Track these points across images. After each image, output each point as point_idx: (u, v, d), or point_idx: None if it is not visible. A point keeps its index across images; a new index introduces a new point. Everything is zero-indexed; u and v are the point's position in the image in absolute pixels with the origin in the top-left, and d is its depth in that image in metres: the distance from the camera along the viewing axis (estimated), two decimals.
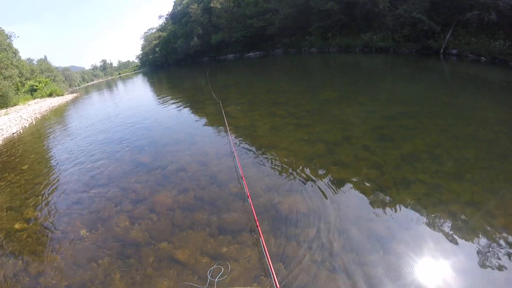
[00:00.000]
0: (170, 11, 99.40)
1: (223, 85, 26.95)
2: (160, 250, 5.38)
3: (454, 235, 4.71)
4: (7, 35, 48.93)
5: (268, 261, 3.99)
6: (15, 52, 50.48)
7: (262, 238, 4.44)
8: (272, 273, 3.79)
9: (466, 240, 4.61)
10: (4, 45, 42.16)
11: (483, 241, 4.56)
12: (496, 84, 14.05)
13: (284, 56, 47.06)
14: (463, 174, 6.38)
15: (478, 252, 4.37)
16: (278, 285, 3.59)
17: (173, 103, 20.13)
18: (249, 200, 5.65)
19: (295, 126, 10.66)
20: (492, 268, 4.13)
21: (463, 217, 5.11)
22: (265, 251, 4.21)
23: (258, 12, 55.30)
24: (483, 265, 4.17)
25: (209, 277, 4.60)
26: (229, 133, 10.40)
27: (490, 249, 4.41)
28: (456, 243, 4.58)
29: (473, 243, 4.54)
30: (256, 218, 5.02)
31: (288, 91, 17.85)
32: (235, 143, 9.71)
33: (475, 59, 21.15)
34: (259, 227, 4.79)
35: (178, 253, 5.17)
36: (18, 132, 21.08)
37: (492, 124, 8.76)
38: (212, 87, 21.59)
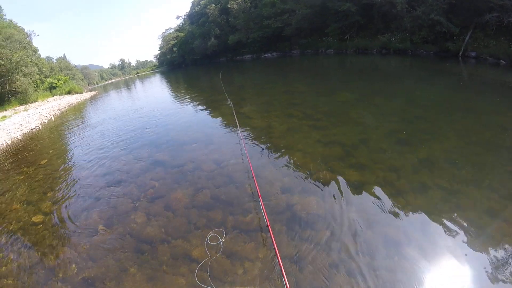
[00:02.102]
0: (187, 11, 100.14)
1: (240, 85, 27.03)
2: (176, 247, 5.43)
3: (470, 243, 4.65)
4: (26, 33, 49.85)
5: (279, 262, 4.00)
6: (35, 50, 51.50)
7: (273, 239, 4.44)
8: (283, 273, 3.79)
9: (482, 248, 4.54)
10: (24, 43, 42.95)
11: (499, 249, 4.48)
12: None
13: (301, 57, 46.93)
14: (480, 180, 6.27)
15: (494, 261, 4.30)
16: (288, 286, 3.60)
17: (190, 103, 20.33)
18: (260, 200, 5.67)
19: (312, 127, 10.63)
20: (508, 277, 4.07)
21: (480, 224, 5.03)
22: (276, 252, 4.22)
23: (275, 13, 55.18)
24: (499, 274, 4.10)
25: (208, 242, 5.35)
26: (240, 134, 10.40)
27: (507, 257, 4.34)
28: (472, 250, 4.52)
29: (490, 251, 4.47)
30: (267, 219, 5.01)
31: (305, 92, 17.79)
32: (252, 144, 9.79)
33: (494, 62, 20.72)
34: (270, 228, 4.80)
35: (194, 251, 5.21)
36: (37, 127, 21.51)
37: (511, 130, 8.61)
38: (226, 89, 21.62)
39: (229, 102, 16.19)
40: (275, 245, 4.31)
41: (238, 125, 10.98)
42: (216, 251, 5.16)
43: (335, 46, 43.44)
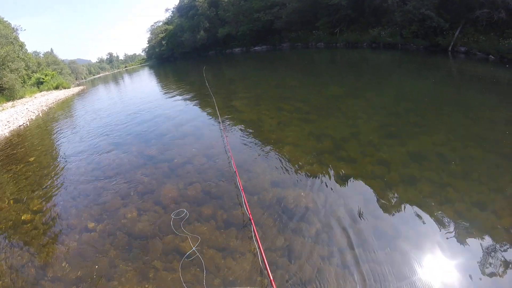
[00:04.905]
0: (176, 4, 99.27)
1: (230, 79, 26.95)
2: (167, 242, 5.41)
3: (459, 235, 4.70)
4: (13, 28, 49.12)
5: (262, 254, 4.01)
6: (22, 45, 50.68)
7: (255, 232, 4.47)
8: (266, 265, 3.81)
9: (471, 240, 4.60)
10: (11, 38, 42.25)
11: (488, 241, 4.54)
12: (504, 84, 13.85)
13: (291, 51, 46.88)
14: (469, 173, 6.34)
15: (483, 252, 4.36)
16: (271, 277, 3.60)
17: (179, 96, 20.21)
18: (243, 194, 5.68)
19: (302, 121, 10.66)
20: (496, 269, 4.12)
21: (469, 216, 5.09)
22: (259, 245, 4.23)
23: (265, 6, 55.07)
24: (487, 265, 4.17)
25: (172, 217, 6.00)
26: (223, 129, 10.41)
27: (495, 249, 4.40)
28: (461, 242, 4.57)
29: (478, 243, 4.52)
30: (249, 212, 5.04)
31: (295, 86, 17.81)
32: (242, 138, 9.80)
33: (483, 58, 20.84)
34: (252, 221, 4.82)
35: (185, 246, 5.20)
36: (24, 124, 21.23)
37: (499, 124, 8.68)
38: (215, 82, 21.58)
39: (225, 96, 16.19)
40: (258, 238, 4.35)
41: (220, 119, 10.98)
42: (181, 224, 5.75)
43: (325, 39, 43.45)
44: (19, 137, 16.97)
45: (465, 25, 24.10)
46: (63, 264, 5.38)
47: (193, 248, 5.06)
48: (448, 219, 5.03)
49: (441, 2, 25.28)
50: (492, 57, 20.12)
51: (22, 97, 38.60)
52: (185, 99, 18.91)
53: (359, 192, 6.07)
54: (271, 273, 3.72)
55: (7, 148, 14.69)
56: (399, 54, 27.26)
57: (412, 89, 13.74)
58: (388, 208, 5.49)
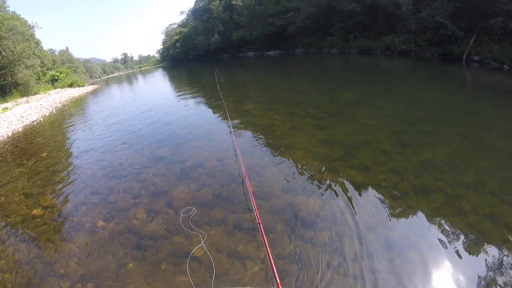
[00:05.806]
0: (191, 7, 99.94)
1: (243, 82, 27.02)
2: (176, 244, 5.41)
3: (471, 248, 4.62)
4: (30, 25, 49.70)
5: (270, 260, 3.98)
6: (38, 42, 51.40)
7: (264, 238, 4.43)
8: (274, 272, 3.78)
9: (483, 253, 4.52)
10: (27, 35, 42.72)
11: (500, 255, 4.45)
12: None
13: (304, 56, 46.80)
14: (482, 185, 6.25)
15: (494, 267, 4.28)
16: (280, 286, 3.57)
17: (192, 99, 20.31)
18: (252, 199, 5.65)
19: (314, 127, 10.62)
20: (508, 283, 4.04)
21: (481, 229, 5.00)
22: (268, 251, 4.20)
23: (279, 11, 55.18)
24: (498, 279, 4.09)
25: (181, 214, 6.14)
26: (233, 134, 10.36)
27: (507, 263, 4.32)
28: (472, 255, 4.50)
29: (490, 257, 4.44)
30: (259, 217, 4.99)
31: (308, 91, 17.75)
32: (254, 142, 9.79)
33: (497, 67, 20.55)
34: (261, 226, 4.77)
35: (193, 244, 5.20)
36: (38, 120, 21.50)
37: None
38: (229, 86, 21.65)
39: (238, 99, 16.22)
40: (267, 244, 4.31)
41: (231, 123, 10.98)
42: (189, 221, 5.87)
43: (339, 45, 43.31)
44: (32, 133, 17.19)
45: (480, 34, 23.84)
46: (71, 261, 5.39)
47: (202, 243, 5.10)
48: (460, 231, 4.95)
49: (456, 10, 25.03)
50: (507, 66, 19.84)
51: (36, 93, 39.13)
52: (197, 101, 19.03)
53: (370, 201, 6.01)
54: (279, 280, 3.69)
55: (20, 142, 14.88)
56: (413, 61, 27.06)
57: (425, 97, 13.61)
58: (400, 218, 5.43)
